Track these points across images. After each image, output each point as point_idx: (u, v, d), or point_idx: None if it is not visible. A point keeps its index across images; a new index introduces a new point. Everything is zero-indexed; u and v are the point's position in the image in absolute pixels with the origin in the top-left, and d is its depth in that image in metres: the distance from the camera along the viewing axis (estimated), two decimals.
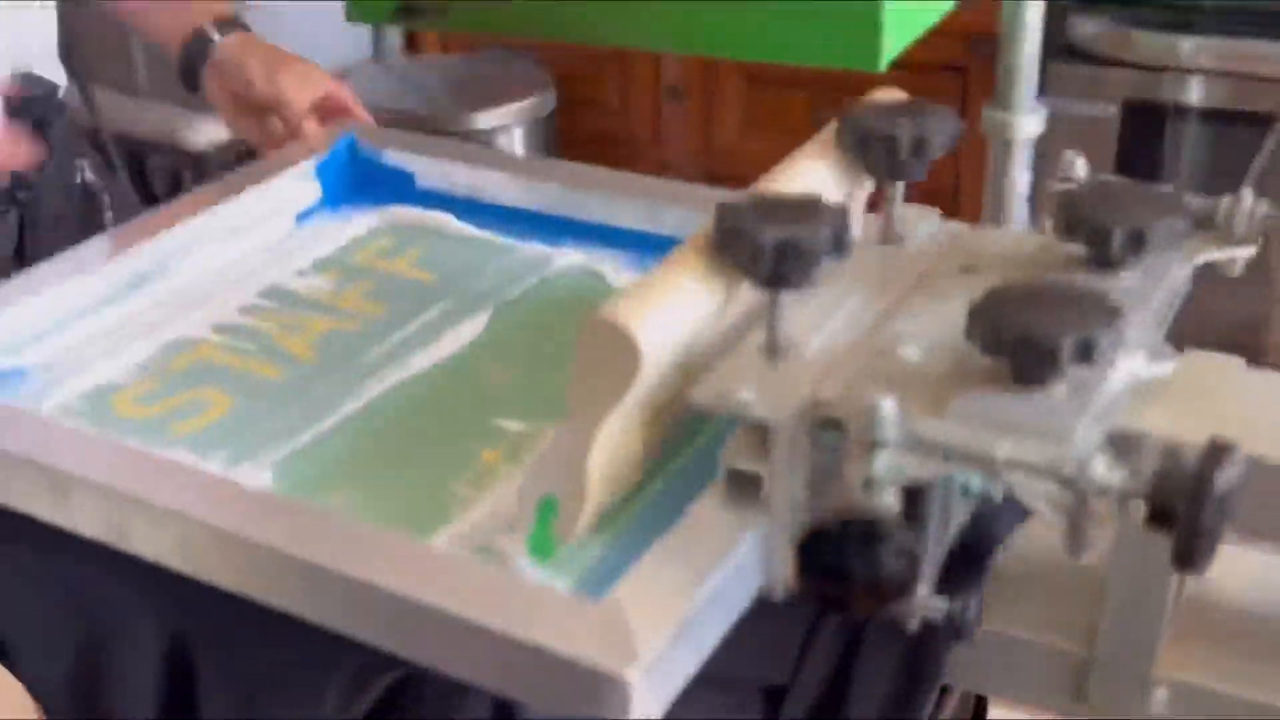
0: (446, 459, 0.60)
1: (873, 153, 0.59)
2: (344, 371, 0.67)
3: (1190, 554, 0.43)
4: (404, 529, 0.55)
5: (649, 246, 0.75)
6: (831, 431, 0.50)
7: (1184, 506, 0.43)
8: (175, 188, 1.99)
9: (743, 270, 0.51)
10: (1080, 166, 0.59)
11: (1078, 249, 0.55)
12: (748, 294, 0.54)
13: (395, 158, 0.84)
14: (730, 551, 0.50)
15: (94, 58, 1.52)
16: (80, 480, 0.55)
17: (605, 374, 0.50)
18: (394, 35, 2.11)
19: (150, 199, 1.07)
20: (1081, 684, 0.55)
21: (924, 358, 0.52)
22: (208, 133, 1.76)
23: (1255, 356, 0.54)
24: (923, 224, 0.61)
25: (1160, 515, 0.44)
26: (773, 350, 0.52)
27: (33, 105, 0.84)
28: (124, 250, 0.73)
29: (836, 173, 0.60)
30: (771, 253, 0.50)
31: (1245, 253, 0.57)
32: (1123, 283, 0.54)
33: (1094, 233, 0.54)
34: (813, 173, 0.59)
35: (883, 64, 0.89)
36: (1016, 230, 0.96)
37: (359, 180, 0.84)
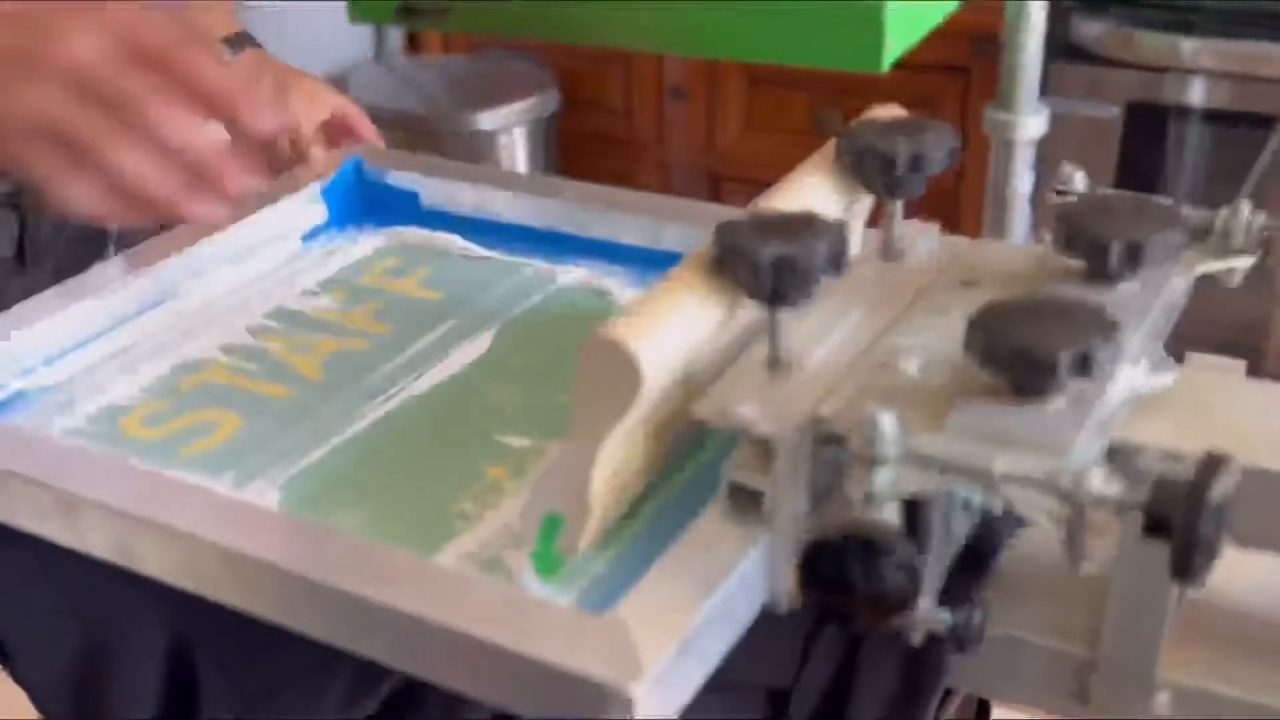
0: (452, 476, 0.60)
1: (870, 170, 0.59)
2: (351, 390, 0.67)
3: (1187, 565, 0.44)
4: (410, 546, 0.55)
5: (652, 263, 0.76)
6: (832, 446, 0.50)
7: (1180, 517, 0.43)
8: None
9: (742, 287, 0.52)
10: (1079, 179, 0.59)
11: (1076, 262, 0.56)
12: (748, 310, 0.54)
13: (400, 178, 0.85)
14: (734, 565, 0.50)
15: None
16: (89, 501, 0.56)
17: (607, 392, 0.51)
18: (396, 35, 2.11)
19: None
20: (1084, 686, 0.55)
21: (924, 372, 0.52)
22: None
23: (1256, 360, 0.55)
24: (922, 239, 0.62)
25: (1157, 526, 0.44)
26: (774, 366, 0.53)
27: None
28: (132, 273, 0.74)
29: (836, 189, 0.60)
30: (770, 270, 0.51)
31: (1244, 263, 0.58)
32: (1121, 295, 0.54)
33: (1092, 246, 0.54)
34: (812, 190, 0.60)
35: (885, 65, 0.89)
36: (1015, 244, 0.96)
37: (365, 201, 0.85)
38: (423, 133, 1.96)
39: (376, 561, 0.52)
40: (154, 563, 0.56)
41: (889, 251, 0.62)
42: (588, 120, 2.11)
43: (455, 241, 0.81)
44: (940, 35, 1.01)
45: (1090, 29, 1.63)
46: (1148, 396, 0.51)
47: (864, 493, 0.48)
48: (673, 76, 2.08)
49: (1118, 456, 0.48)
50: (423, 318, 0.74)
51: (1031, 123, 1.07)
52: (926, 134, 0.59)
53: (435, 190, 0.84)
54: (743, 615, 0.51)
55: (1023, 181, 1.09)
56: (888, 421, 0.47)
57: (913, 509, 0.50)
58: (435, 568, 0.54)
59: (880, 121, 0.62)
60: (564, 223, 0.81)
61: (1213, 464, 0.44)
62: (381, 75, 2.07)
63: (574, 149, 2.13)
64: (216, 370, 0.70)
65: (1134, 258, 0.54)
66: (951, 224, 0.65)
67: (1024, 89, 1.06)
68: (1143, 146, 1.64)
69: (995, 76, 1.05)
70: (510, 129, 2.01)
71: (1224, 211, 0.59)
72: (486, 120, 1.98)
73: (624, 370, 0.50)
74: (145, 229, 0.97)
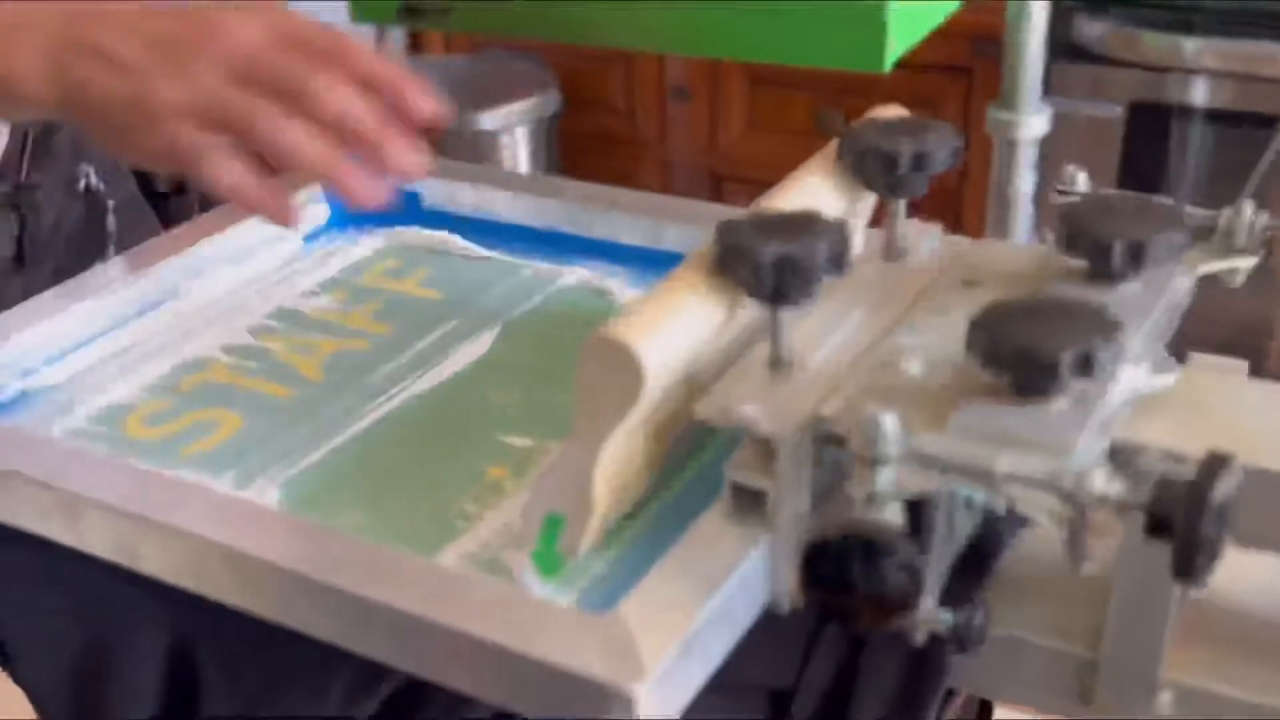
0: (453, 476, 0.60)
1: (873, 170, 0.59)
2: (352, 390, 0.67)
3: (1189, 565, 0.44)
4: (411, 546, 0.55)
5: (654, 263, 0.76)
6: (834, 446, 0.50)
7: (1181, 518, 0.43)
8: (178, 185, 2.00)
9: (744, 287, 0.52)
10: (1081, 179, 0.59)
11: (1078, 262, 0.56)
12: (750, 309, 0.54)
13: None
14: (736, 566, 0.50)
15: None
16: (91, 501, 0.56)
17: (608, 391, 0.51)
18: (397, 35, 2.11)
19: (153, 197, 1.07)
20: (1086, 686, 0.55)
21: (926, 372, 0.52)
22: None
23: (1259, 360, 0.55)
24: (924, 239, 0.62)
25: (1159, 526, 0.44)
26: (776, 365, 0.53)
27: None
28: (134, 273, 0.74)
29: (838, 189, 0.60)
30: (771, 269, 0.51)
31: (1246, 263, 0.58)
32: (1123, 295, 0.54)
33: (1094, 246, 0.54)
34: (814, 189, 0.60)
35: (887, 65, 0.89)
36: (1017, 244, 0.96)
37: None
38: (424, 133, 1.95)
39: (377, 561, 0.52)
40: (155, 562, 0.56)
41: (891, 251, 0.62)
42: (589, 120, 2.11)
43: (456, 242, 0.81)
44: (942, 35, 1.01)
45: (1092, 29, 1.63)
46: (1150, 397, 0.51)
47: (866, 493, 0.47)
48: (674, 76, 2.08)
49: (1120, 456, 0.48)
50: (423, 318, 0.74)
51: (1034, 122, 1.07)
52: (929, 134, 0.59)
53: (436, 190, 0.84)
54: (744, 615, 0.51)
55: (1025, 181, 1.09)
56: (889, 421, 0.47)
57: (915, 509, 0.50)
58: (436, 567, 0.54)
59: (882, 121, 0.62)
60: (565, 223, 0.81)
61: (1215, 464, 0.44)
62: None
63: (575, 149, 2.13)
64: (217, 370, 0.70)
65: (1136, 258, 0.54)
66: (954, 224, 0.65)
67: (1026, 89, 1.05)
68: (1145, 146, 1.64)
69: (997, 76, 1.05)
70: (512, 129, 2.01)
71: (1226, 211, 0.59)
72: (488, 120, 1.98)
73: (626, 370, 0.50)
74: (145, 231, 0.97)
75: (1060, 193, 0.62)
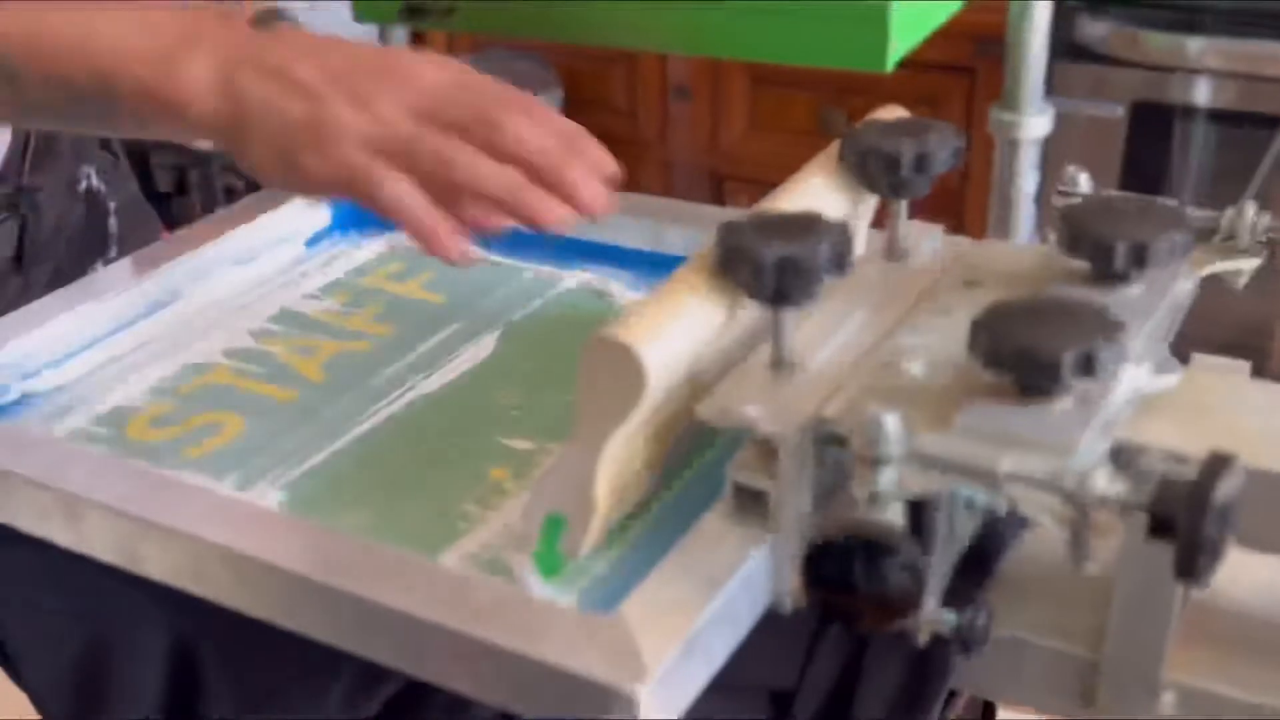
0: (455, 478, 0.60)
1: (875, 171, 0.59)
2: (354, 393, 0.67)
3: (1192, 565, 0.44)
4: (413, 547, 0.55)
5: (654, 266, 0.76)
6: (836, 447, 0.50)
7: (1184, 518, 0.43)
8: (180, 186, 2.00)
9: (745, 288, 0.52)
10: (1083, 180, 0.59)
11: (1080, 263, 0.56)
12: (751, 310, 0.54)
13: None
14: (738, 566, 0.50)
15: None
16: (92, 503, 0.56)
17: (610, 392, 0.51)
18: (400, 35, 2.11)
19: (153, 197, 1.07)
20: (1088, 687, 0.55)
21: (928, 372, 0.52)
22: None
23: (1261, 361, 0.55)
24: (926, 240, 0.62)
25: (1161, 527, 0.44)
26: (778, 366, 0.53)
27: None
28: (137, 276, 0.74)
29: (840, 190, 0.60)
30: (773, 270, 0.51)
31: (1250, 264, 0.57)
32: (1125, 296, 0.54)
33: (1096, 247, 0.54)
34: (816, 190, 0.60)
35: (890, 64, 0.88)
36: (1019, 245, 0.96)
37: None
38: None
39: (379, 563, 0.52)
40: (155, 564, 0.56)
41: (893, 252, 0.61)
42: (591, 120, 2.10)
43: None
44: (944, 35, 1.01)
45: (1095, 28, 1.63)
46: (1152, 397, 0.51)
47: (868, 493, 0.47)
48: (676, 76, 2.08)
49: (1122, 457, 0.48)
50: (426, 321, 0.74)
51: (1036, 123, 1.06)
52: (931, 134, 0.59)
53: None
54: (746, 616, 0.51)
55: (1027, 181, 1.09)
56: (891, 422, 0.47)
57: (917, 510, 0.50)
58: (437, 569, 0.54)
59: (884, 122, 0.62)
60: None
61: (1217, 465, 0.43)
62: None
63: None
64: (220, 373, 0.70)
65: (1139, 259, 0.54)
66: (956, 224, 0.65)
67: (1028, 89, 1.05)
68: (1148, 146, 1.63)
69: (1000, 76, 1.05)
70: None
71: (1229, 212, 0.59)
72: None
73: (628, 371, 0.50)
74: (147, 232, 0.97)
75: (1062, 193, 0.62)
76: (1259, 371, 0.57)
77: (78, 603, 0.62)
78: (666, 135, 2.13)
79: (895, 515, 0.48)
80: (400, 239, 0.83)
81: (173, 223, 1.05)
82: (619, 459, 0.53)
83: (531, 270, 0.79)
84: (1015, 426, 0.47)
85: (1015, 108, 1.06)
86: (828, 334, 0.55)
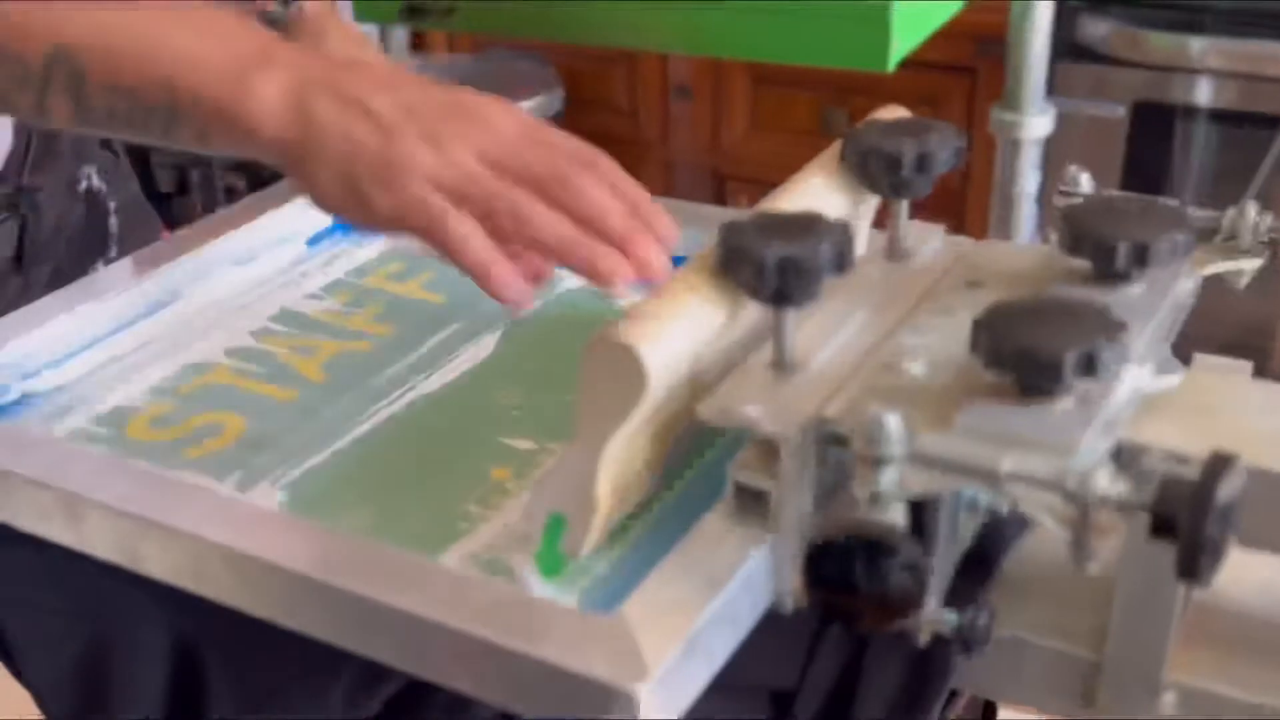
0: (457, 478, 0.60)
1: (876, 171, 0.59)
2: (355, 393, 0.67)
3: (1193, 565, 0.44)
4: (415, 547, 0.55)
5: None
6: (837, 447, 0.50)
7: (1186, 518, 0.43)
8: (181, 186, 2.00)
9: (746, 288, 0.52)
10: (1085, 180, 0.59)
11: (1082, 263, 0.56)
12: (753, 310, 0.54)
13: None
14: (739, 566, 0.50)
15: None
16: (93, 502, 0.56)
17: (611, 392, 0.51)
18: (400, 35, 2.11)
19: (154, 197, 1.07)
20: (1089, 688, 0.55)
21: (929, 372, 0.52)
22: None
23: (1263, 361, 0.55)
24: (927, 240, 0.62)
25: (1163, 527, 0.44)
26: (779, 366, 0.53)
27: None
28: (137, 276, 0.74)
29: (841, 190, 0.60)
30: (774, 270, 0.51)
31: (1251, 265, 0.57)
32: (1127, 296, 0.54)
33: (1098, 247, 0.54)
34: (817, 190, 0.60)
35: (892, 64, 0.89)
36: (1021, 245, 0.96)
37: None
38: None
39: (380, 562, 0.52)
40: (156, 563, 0.56)
41: (894, 252, 0.61)
42: (592, 119, 2.11)
43: None
44: (946, 35, 1.01)
45: (1096, 28, 1.63)
46: (1154, 397, 0.51)
47: (869, 493, 0.47)
48: (677, 76, 2.08)
49: (1124, 457, 0.48)
50: (427, 321, 0.74)
51: (1037, 123, 1.07)
52: (932, 134, 0.59)
53: None
54: (747, 616, 0.51)
55: (1029, 181, 1.09)
56: (893, 422, 0.47)
57: (918, 510, 0.50)
58: (439, 569, 0.54)
59: (886, 122, 0.62)
60: None
61: (1219, 464, 0.43)
62: None
63: None
64: (221, 373, 0.70)
65: (1140, 259, 0.54)
66: (957, 224, 0.65)
67: (1030, 89, 1.05)
68: (1149, 146, 1.63)
69: (1001, 76, 1.05)
70: None
71: (1231, 212, 0.59)
72: None
73: (629, 371, 0.50)
74: (147, 231, 0.97)
75: (1064, 193, 0.62)
76: (1260, 372, 0.57)
77: (78, 602, 0.62)
78: (667, 135, 2.13)
79: (896, 515, 0.48)
80: (401, 239, 0.83)
81: (173, 223, 1.05)
82: (620, 459, 0.53)
83: None
84: (1016, 426, 0.47)
85: (1016, 108, 1.06)
86: (829, 334, 0.55)
